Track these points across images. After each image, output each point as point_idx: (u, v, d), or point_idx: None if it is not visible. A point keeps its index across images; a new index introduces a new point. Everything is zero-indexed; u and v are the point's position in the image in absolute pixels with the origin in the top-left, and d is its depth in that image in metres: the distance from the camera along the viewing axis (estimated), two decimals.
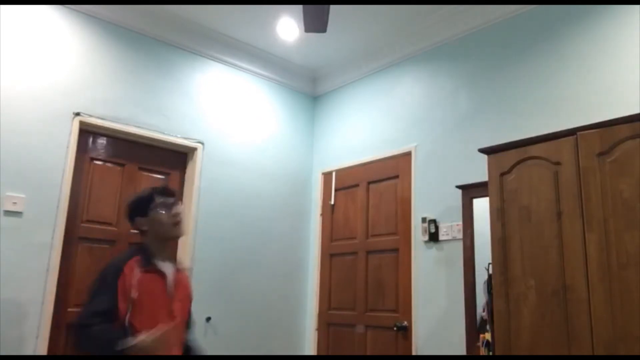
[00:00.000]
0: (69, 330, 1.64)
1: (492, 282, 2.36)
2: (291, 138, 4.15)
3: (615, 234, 1.98)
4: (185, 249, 3.39)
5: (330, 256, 3.94)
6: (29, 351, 2.72)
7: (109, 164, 3.26)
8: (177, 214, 1.91)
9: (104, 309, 1.70)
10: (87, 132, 3.17)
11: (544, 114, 2.76)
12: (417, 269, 3.23)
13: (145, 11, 3.39)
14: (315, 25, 2.51)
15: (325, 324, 3.83)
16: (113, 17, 3.29)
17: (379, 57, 3.81)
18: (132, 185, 3.29)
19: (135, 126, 3.30)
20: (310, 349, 3.86)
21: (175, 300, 1.87)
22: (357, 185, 3.83)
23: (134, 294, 1.72)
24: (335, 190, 4.01)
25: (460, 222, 2.95)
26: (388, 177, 3.61)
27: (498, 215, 2.38)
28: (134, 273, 1.76)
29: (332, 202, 4.01)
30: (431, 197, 3.24)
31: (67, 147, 3.01)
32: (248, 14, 3.44)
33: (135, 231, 1.96)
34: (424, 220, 3.23)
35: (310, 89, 4.35)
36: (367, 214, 3.70)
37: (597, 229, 2.03)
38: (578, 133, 2.16)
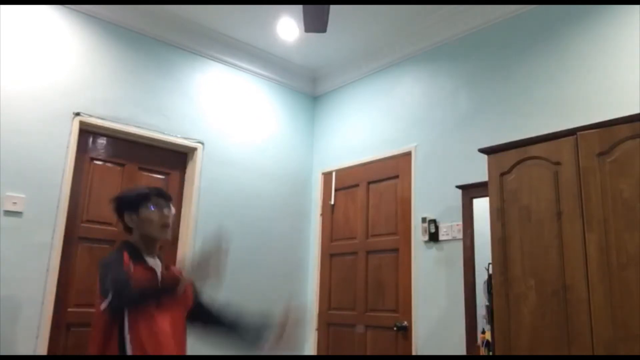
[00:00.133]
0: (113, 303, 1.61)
1: (492, 282, 2.36)
2: (291, 138, 4.15)
3: (615, 234, 1.98)
4: (185, 249, 3.39)
5: (330, 256, 3.94)
6: (29, 351, 2.72)
7: (109, 164, 3.26)
8: (167, 216, 1.88)
9: (124, 277, 1.67)
10: (87, 132, 3.17)
11: (544, 114, 2.76)
12: (417, 269, 3.23)
13: (145, 11, 3.39)
14: (315, 25, 2.51)
15: (325, 324, 3.83)
16: (113, 17, 3.29)
17: (379, 57, 3.81)
18: (132, 186, 3.29)
19: (135, 126, 3.30)
20: (310, 349, 3.86)
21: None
22: (357, 185, 3.83)
23: (133, 283, 1.69)
24: (335, 190, 4.01)
25: (460, 222, 2.95)
26: (388, 177, 3.61)
27: (498, 215, 2.38)
28: (129, 264, 1.75)
29: (332, 202, 4.01)
30: (431, 197, 3.24)
31: (67, 147, 3.01)
32: (248, 14, 3.44)
33: (122, 226, 1.92)
34: (424, 220, 3.23)
35: (310, 89, 4.35)
36: (367, 214, 3.71)
37: (597, 229, 2.03)
38: (578, 133, 2.16)
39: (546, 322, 2.12)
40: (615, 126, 2.06)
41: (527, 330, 2.18)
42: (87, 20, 3.21)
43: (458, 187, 2.98)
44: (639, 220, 1.93)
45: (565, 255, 2.11)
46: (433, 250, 3.16)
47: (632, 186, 1.96)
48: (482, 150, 2.55)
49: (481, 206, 2.77)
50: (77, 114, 3.08)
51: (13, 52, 2.90)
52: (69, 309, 2.98)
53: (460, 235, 2.95)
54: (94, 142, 3.22)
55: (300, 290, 3.99)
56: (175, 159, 3.57)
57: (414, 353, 3.13)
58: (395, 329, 3.26)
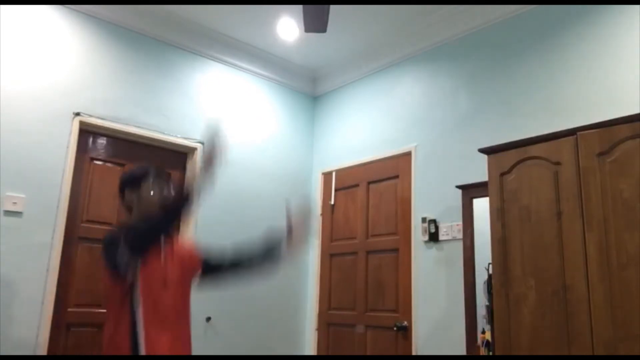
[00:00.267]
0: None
1: (492, 282, 2.37)
2: (291, 138, 4.15)
3: (615, 234, 1.98)
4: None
5: (330, 256, 3.94)
6: (29, 351, 2.72)
7: (109, 164, 3.26)
8: (167, 198, 1.87)
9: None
10: (87, 132, 3.17)
11: (544, 114, 2.76)
12: (417, 269, 3.23)
13: (145, 11, 3.39)
14: (315, 25, 2.51)
15: (325, 324, 3.83)
16: (113, 17, 3.29)
17: (379, 57, 3.81)
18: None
19: (135, 126, 3.30)
20: (310, 349, 3.86)
21: (169, 270, 1.83)
22: (357, 185, 3.83)
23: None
24: (335, 190, 4.01)
25: (460, 222, 2.95)
26: (388, 177, 3.61)
27: (498, 215, 2.39)
28: None
29: (332, 202, 4.01)
30: (431, 197, 3.25)
31: (67, 147, 3.01)
32: (248, 14, 3.44)
33: (123, 207, 1.93)
34: (424, 220, 3.23)
35: (310, 89, 4.35)
36: (367, 214, 3.71)
37: (597, 229, 2.03)
38: (578, 133, 2.16)
39: (546, 322, 2.12)
40: (615, 126, 2.06)
41: (527, 330, 2.18)
42: (87, 20, 3.21)
43: (458, 187, 2.98)
44: (639, 220, 1.93)
45: (565, 255, 2.11)
46: (433, 250, 3.16)
47: (632, 186, 1.96)
48: (482, 150, 2.55)
49: (481, 206, 2.77)
50: (77, 114, 3.08)
51: (13, 52, 2.91)
52: (69, 309, 2.98)
53: (460, 235, 2.95)
54: (94, 142, 3.22)
55: (300, 290, 3.99)
56: (175, 159, 3.57)
57: (414, 353, 3.13)
58: (395, 329, 3.26)
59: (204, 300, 3.37)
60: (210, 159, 1.70)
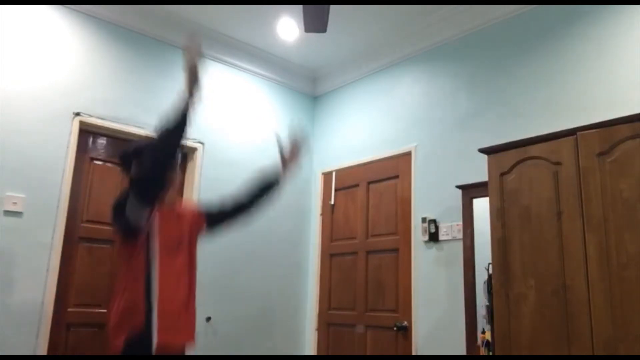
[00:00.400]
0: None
1: (492, 282, 2.36)
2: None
3: (615, 234, 1.98)
4: None
5: (330, 256, 3.94)
6: (29, 351, 2.72)
7: (109, 164, 3.26)
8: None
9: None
10: (87, 132, 3.17)
11: (544, 114, 2.76)
12: (417, 269, 3.23)
13: (145, 11, 3.39)
14: (315, 25, 2.51)
15: (325, 324, 3.83)
16: (113, 17, 3.29)
17: (379, 57, 3.81)
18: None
19: (135, 126, 3.30)
20: (310, 349, 3.86)
21: (181, 230, 1.93)
22: (357, 185, 3.83)
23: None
24: (335, 190, 4.01)
25: (460, 222, 2.95)
26: (388, 177, 3.61)
27: (498, 215, 2.38)
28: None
29: (332, 202, 4.01)
30: (431, 197, 3.24)
31: (67, 147, 3.01)
32: (248, 14, 3.45)
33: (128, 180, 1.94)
34: (424, 220, 3.23)
35: (310, 89, 4.35)
36: (367, 214, 3.71)
37: (597, 229, 2.03)
38: (578, 133, 2.16)
39: (546, 322, 2.12)
40: (615, 126, 2.06)
41: (527, 330, 2.18)
42: (87, 20, 3.21)
43: (458, 187, 2.98)
44: (639, 220, 1.93)
45: (565, 255, 2.11)
46: (433, 250, 3.16)
47: (632, 186, 1.96)
48: (482, 150, 2.55)
49: (481, 206, 2.77)
50: (77, 114, 3.08)
51: (13, 52, 2.91)
52: (69, 309, 2.98)
53: (460, 235, 2.95)
54: (94, 142, 3.22)
55: (300, 290, 3.99)
56: None
57: (414, 353, 3.13)
58: (395, 329, 3.26)
59: (204, 300, 3.37)
60: (192, 73, 1.74)
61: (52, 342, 2.84)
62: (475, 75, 3.17)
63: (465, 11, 3.23)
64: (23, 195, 2.82)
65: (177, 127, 1.74)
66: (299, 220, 4.09)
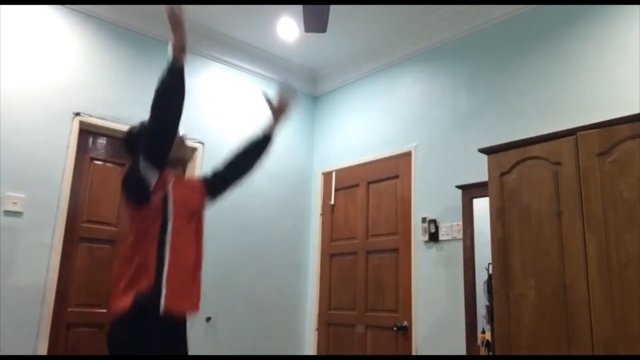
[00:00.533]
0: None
1: (492, 282, 2.36)
2: (291, 138, 4.15)
3: (615, 234, 1.98)
4: None
5: (330, 256, 3.94)
6: (29, 351, 2.72)
7: (109, 164, 3.26)
8: (182, 136, 1.99)
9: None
10: (87, 132, 3.17)
11: (544, 114, 2.76)
12: (417, 269, 3.23)
13: (145, 11, 3.39)
14: (315, 25, 2.51)
15: (325, 324, 3.83)
16: (113, 17, 3.29)
17: (379, 57, 3.81)
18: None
19: None
20: (310, 349, 3.86)
21: (195, 201, 2.00)
22: (357, 185, 3.83)
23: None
24: (335, 190, 4.01)
25: (460, 222, 2.95)
26: (388, 177, 3.61)
27: (498, 215, 2.38)
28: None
29: (332, 202, 4.01)
30: (431, 197, 3.24)
31: (67, 147, 3.01)
32: (248, 14, 3.44)
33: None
34: (424, 220, 3.23)
35: (310, 89, 4.35)
36: (367, 214, 3.71)
37: (597, 229, 2.03)
38: (578, 133, 2.16)
39: (546, 322, 2.12)
40: (615, 126, 2.06)
41: (527, 330, 2.18)
42: (87, 20, 3.21)
43: (458, 187, 2.98)
44: (639, 220, 1.93)
45: (565, 255, 2.11)
46: (433, 250, 3.16)
47: (632, 186, 1.96)
48: (482, 150, 2.55)
49: (481, 206, 2.77)
50: (77, 114, 3.08)
51: (13, 52, 2.91)
52: (69, 309, 2.98)
53: (460, 235, 2.95)
54: (94, 142, 3.22)
55: (300, 290, 3.99)
56: None
57: (414, 353, 3.13)
58: (395, 329, 3.26)
59: (204, 300, 3.36)
60: (174, 20, 1.72)
61: (52, 342, 2.85)
62: (475, 75, 3.17)
63: (465, 11, 3.23)
64: (23, 195, 2.82)
65: (174, 79, 1.75)
66: (299, 220, 4.09)
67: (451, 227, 3.07)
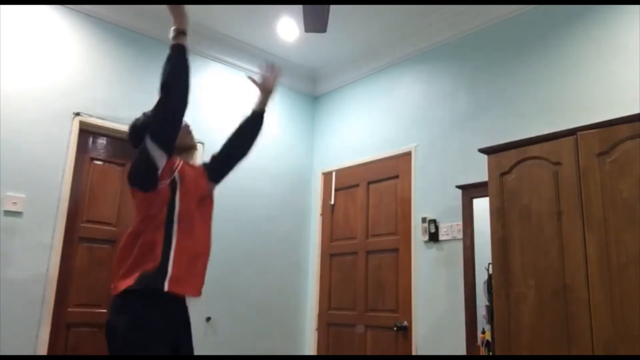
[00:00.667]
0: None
1: (492, 282, 2.37)
2: (291, 138, 4.15)
3: (615, 234, 1.98)
4: None
5: (330, 256, 3.94)
6: (29, 351, 2.72)
7: (108, 164, 3.26)
8: (187, 124, 2.05)
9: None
10: (87, 132, 3.17)
11: (544, 114, 2.77)
12: (417, 269, 3.23)
13: (145, 11, 3.39)
14: (315, 25, 2.51)
15: (325, 324, 3.83)
16: (113, 17, 3.29)
17: (379, 57, 3.81)
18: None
19: None
20: (310, 349, 3.86)
21: (203, 187, 2.01)
22: (357, 185, 3.83)
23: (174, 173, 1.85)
24: (335, 190, 4.01)
25: (460, 222, 2.95)
26: (388, 177, 3.61)
27: (498, 215, 2.39)
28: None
29: (332, 202, 4.01)
30: (431, 197, 3.24)
31: (67, 147, 3.01)
32: (248, 14, 3.44)
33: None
34: (424, 220, 3.23)
35: (310, 89, 4.35)
36: (367, 214, 3.71)
37: (597, 229, 2.03)
38: (578, 133, 2.16)
39: (546, 322, 2.12)
40: (615, 126, 2.06)
41: (527, 330, 2.18)
42: (87, 20, 3.21)
43: (458, 187, 2.98)
44: (639, 220, 1.93)
45: (565, 255, 2.11)
46: (433, 250, 3.16)
47: (632, 186, 1.96)
48: (482, 150, 2.55)
49: (481, 206, 2.77)
50: (77, 114, 3.08)
51: (13, 52, 2.91)
52: (69, 309, 2.98)
53: (460, 235, 2.95)
54: (94, 142, 3.22)
55: (300, 290, 3.99)
56: None
57: (414, 353, 3.13)
58: (395, 329, 3.26)
59: (204, 300, 3.37)
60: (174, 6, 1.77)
61: (52, 342, 2.84)
62: (475, 75, 3.17)
63: (465, 11, 3.23)
64: (23, 195, 2.82)
65: (178, 58, 1.76)
66: (299, 220, 4.09)
67: (451, 227, 3.07)
